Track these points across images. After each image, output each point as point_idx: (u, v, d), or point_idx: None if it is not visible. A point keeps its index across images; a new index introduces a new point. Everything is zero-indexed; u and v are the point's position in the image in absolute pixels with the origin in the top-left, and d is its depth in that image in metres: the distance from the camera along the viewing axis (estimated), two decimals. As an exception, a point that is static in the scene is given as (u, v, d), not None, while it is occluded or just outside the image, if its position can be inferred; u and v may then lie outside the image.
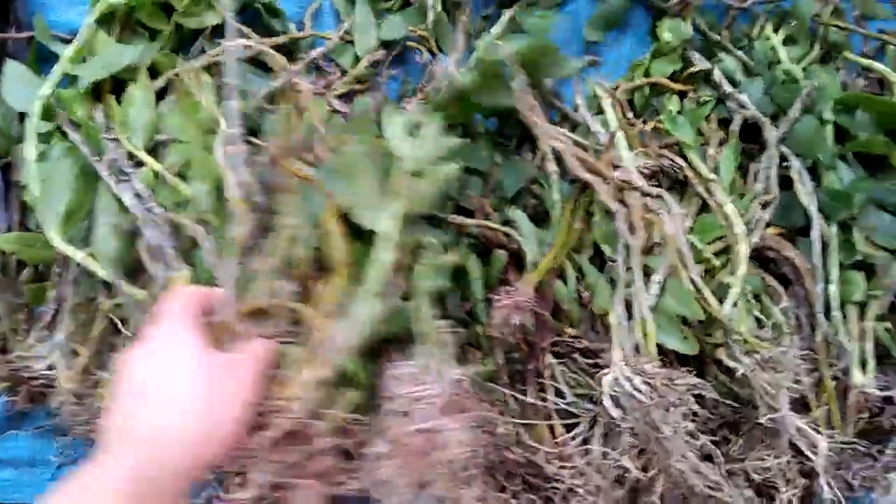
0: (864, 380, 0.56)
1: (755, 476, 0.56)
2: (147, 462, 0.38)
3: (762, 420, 0.53)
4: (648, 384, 0.48)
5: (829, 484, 0.52)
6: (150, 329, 0.45)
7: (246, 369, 0.44)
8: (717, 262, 0.60)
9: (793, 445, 0.53)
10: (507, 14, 0.74)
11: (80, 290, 0.60)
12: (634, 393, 0.48)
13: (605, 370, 0.53)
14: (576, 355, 0.57)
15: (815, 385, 0.59)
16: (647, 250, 0.59)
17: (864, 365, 0.57)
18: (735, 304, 0.57)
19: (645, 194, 0.60)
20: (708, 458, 0.52)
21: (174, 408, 0.40)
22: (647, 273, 0.57)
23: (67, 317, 0.59)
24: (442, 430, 0.45)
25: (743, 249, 0.59)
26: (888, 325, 0.60)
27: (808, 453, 0.51)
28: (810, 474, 0.56)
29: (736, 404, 0.56)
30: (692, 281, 0.55)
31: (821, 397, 0.59)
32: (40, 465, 0.71)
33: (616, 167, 0.63)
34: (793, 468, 0.56)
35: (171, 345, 0.43)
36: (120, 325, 0.59)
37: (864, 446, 0.58)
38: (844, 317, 0.60)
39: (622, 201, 0.60)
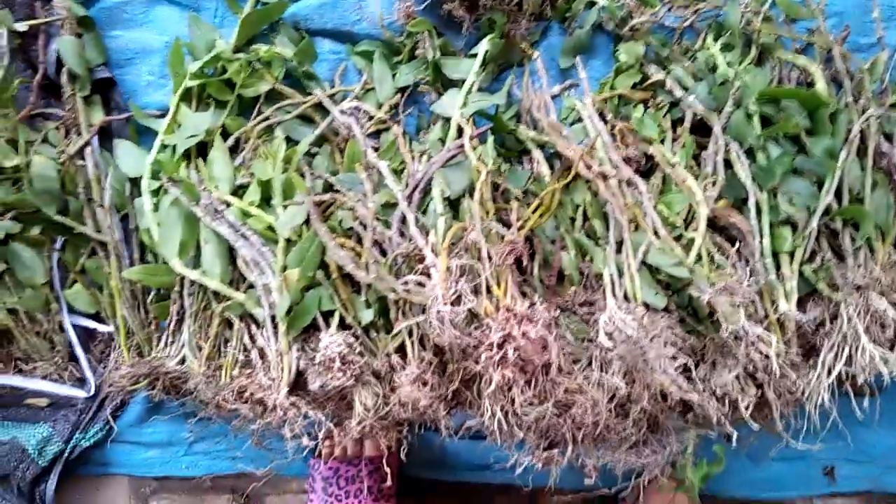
0: (786, 307, 0.72)
1: (718, 391, 0.73)
2: None
3: (725, 334, 0.70)
4: (638, 322, 0.67)
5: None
6: None
7: None
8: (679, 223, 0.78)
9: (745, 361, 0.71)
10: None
11: (196, 301, 0.80)
12: (626, 329, 0.66)
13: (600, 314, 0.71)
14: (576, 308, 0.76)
15: (761, 320, 0.76)
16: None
17: (788, 297, 0.74)
18: (699, 255, 0.74)
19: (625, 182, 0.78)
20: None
21: None
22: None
23: (190, 321, 0.79)
24: None
25: (703, 211, 0.76)
26: (814, 266, 0.76)
27: (765, 352, 0.68)
28: (760, 385, 0.74)
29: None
30: (661, 238, 0.74)
31: (768, 328, 0.76)
32: (175, 444, 0.93)
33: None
34: (746, 380, 0.73)
35: None
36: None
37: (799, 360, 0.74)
38: (777, 264, 0.76)
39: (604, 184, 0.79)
